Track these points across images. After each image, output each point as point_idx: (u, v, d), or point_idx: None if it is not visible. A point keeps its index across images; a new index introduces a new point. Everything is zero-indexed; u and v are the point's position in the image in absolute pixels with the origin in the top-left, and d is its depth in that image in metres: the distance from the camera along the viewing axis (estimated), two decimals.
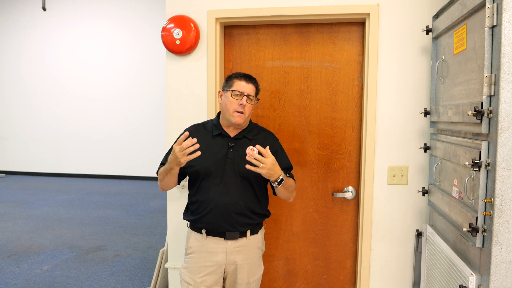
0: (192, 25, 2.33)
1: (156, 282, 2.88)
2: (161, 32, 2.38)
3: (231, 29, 2.46)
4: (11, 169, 9.09)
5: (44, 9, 6.83)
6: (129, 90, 8.42)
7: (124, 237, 4.76)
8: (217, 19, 2.35)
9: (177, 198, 2.45)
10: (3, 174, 8.89)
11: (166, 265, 2.57)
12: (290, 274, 2.53)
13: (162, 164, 1.92)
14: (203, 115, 2.40)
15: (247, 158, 1.67)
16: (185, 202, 2.41)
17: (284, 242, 2.51)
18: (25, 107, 8.90)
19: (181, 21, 2.33)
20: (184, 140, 1.67)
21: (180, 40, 2.33)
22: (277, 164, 1.73)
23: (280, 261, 2.53)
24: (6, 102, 8.99)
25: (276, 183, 1.75)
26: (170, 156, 1.72)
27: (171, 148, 1.86)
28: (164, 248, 2.92)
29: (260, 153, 1.69)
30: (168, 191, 2.46)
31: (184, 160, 1.67)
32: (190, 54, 2.39)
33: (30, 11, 8.62)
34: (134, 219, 5.52)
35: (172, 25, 2.34)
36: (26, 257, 4.04)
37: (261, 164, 1.66)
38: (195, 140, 1.66)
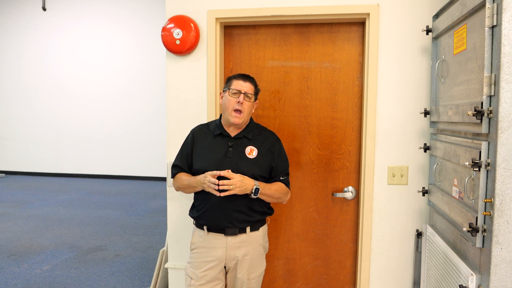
0: (192, 25, 2.33)
1: (156, 282, 2.88)
2: (161, 32, 2.38)
3: (231, 29, 2.46)
4: (11, 169, 9.09)
5: (44, 9, 6.82)
6: (129, 90, 8.41)
7: (124, 237, 4.76)
8: (217, 19, 2.35)
9: (177, 198, 2.45)
10: (3, 174, 8.89)
11: (166, 265, 2.57)
12: (290, 274, 2.53)
13: (175, 166, 2.02)
14: (203, 115, 2.40)
15: (220, 193, 1.78)
16: (185, 201, 2.43)
17: (284, 242, 2.51)
18: (25, 107, 8.90)
19: (181, 21, 2.33)
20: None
21: (180, 40, 2.33)
22: (245, 177, 1.82)
23: (280, 261, 2.53)
24: (6, 102, 8.99)
25: (252, 194, 1.83)
26: (200, 179, 1.82)
27: (182, 150, 2.02)
28: (164, 248, 2.92)
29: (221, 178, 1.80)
30: (168, 191, 2.47)
31: (207, 190, 1.81)
32: (190, 54, 2.39)
33: (30, 11, 8.62)
34: (134, 219, 5.52)
35: (172, 25, 2.34)
36: (26, 257, 4.04)
37: (231, 186, 1.76)
38: (218, 173, 1.79)
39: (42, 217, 5.59)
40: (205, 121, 2.37)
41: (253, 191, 1.82)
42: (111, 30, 8.39)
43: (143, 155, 8.40)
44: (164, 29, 2.37)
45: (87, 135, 8.68)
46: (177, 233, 2.50)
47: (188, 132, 2.07)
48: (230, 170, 1.81)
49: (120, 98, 8.47)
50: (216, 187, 1.76)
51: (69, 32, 8.55)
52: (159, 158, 8.01)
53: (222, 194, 1.76)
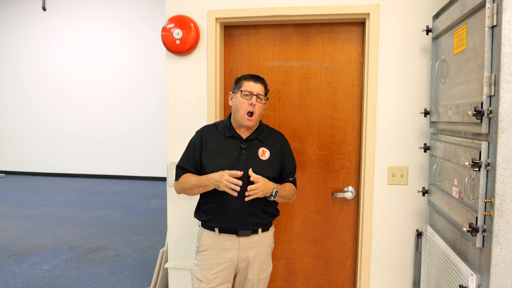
0: (192, 25, 2.33)
1: (156, 282, 2.88)
2: (161, 32, 2.38)
3: (231, 29, 2.46)
4: (11, 169, 9.09)
5: (44, 9, 6.81)
6: (129, 90, 8.42)
7: (124, 237, 4.76)
8: (217, 19, 2.35)
9: (177, 198, 2.45)
10: (3, 174, 8.89)
11: (166, 265, 2.57)
12: (290, 274, 2.53)
13: (179, 167, 1.96)
14: (203, 115, 2.40)
15: (247, 196, 1.77)
16: (185, 201, 2.42)
17: (284, 242, 2.51)
18: (25, 107, 8.90)
19: (181, 21, 2.33)
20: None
21: (180, 40, 2.33)
22: (267, 181, 1.81)
23: (280, 261, 2.53)
24: (6, 102, 8.99)
25: (272, 197, 1.82)
26: (214, 177, 1.78)
27: (188, 151, 1.95)
28: (164, 248, 2.91)
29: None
30: (168, 191, 2.47)
31: (223, 189, 1.77)
32: (190, 54, 2.39)
33: (30, 11, 8.63)
34: (134, 219, 5.53)
35: (172, 25, 2.34)
36: (26, 257, 4.04)
37: (256, 191, 1.75)
38: (240, 174, 1.77)
39: (42, 217, 5.59)
40: (205, 121, 2.37)
41: (273, 193, 1.81)
42: (111, 30, 8.39)
43: (143, 155, 8.40)
44: (164, 29, 2.37)
45: (87, 135, 8.68)
46: (177, 233, 2.50)
47: (188, 131, 2.06)
48: (251, 170, 1.80)
49: (120, 98, 8.47)
50: (238, 188, 1.73)
51: (69, 32, 8.55)
52: (159, 158, 8.01)
53: (247, 199, 1.76)
